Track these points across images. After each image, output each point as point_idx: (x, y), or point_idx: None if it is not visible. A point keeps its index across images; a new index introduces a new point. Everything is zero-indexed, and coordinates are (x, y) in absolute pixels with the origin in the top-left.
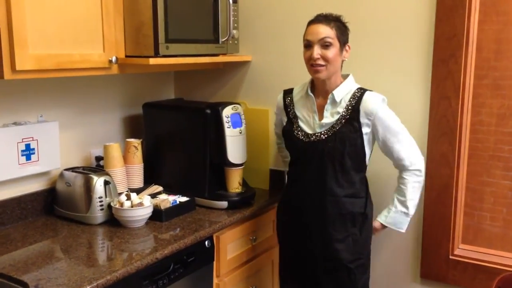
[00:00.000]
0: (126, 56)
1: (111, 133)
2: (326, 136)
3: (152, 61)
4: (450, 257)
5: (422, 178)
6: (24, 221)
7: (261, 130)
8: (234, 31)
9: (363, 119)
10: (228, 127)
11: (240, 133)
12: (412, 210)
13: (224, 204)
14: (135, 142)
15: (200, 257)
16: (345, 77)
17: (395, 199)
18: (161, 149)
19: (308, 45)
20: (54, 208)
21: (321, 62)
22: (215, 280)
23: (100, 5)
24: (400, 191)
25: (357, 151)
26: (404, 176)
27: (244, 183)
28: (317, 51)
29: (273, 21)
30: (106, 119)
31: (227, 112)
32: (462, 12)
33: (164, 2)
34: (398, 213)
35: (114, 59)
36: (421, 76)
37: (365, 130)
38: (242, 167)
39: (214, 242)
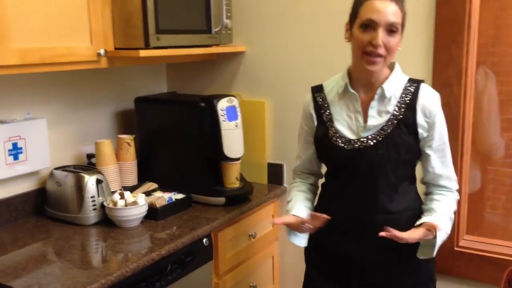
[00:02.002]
0: (116, 49)
1: (103, 129)
2: (375, 141)
3: (143, 53)
4: (455, 248)
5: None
6: (14, 223)
7: (257, 123)
8: (227, 21)
9: (420, 120)
10: (223, 121)
11: (236, 126)
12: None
13: (222, 200)
14: (128, 138)
15: (198, 256)
16: (390, 66)
17: (440, 212)
18: (155, 145)
19: (368, 26)
20: (44, 209)
21: (381, 51)
22: (214, 279)
23: None
24: (439, 205)
25: (414, 158)
26: (443, 193)
27: (241, 178)
28: (382, 36)
29: (268, 10)
30: (97, 115)
31: (222, 105)
32: None
33: None
34: (447, 220)
35: (102, 51)
36: (422, 63)
37: (422, 133)
38: (239, 161)
39: (213, 240)
